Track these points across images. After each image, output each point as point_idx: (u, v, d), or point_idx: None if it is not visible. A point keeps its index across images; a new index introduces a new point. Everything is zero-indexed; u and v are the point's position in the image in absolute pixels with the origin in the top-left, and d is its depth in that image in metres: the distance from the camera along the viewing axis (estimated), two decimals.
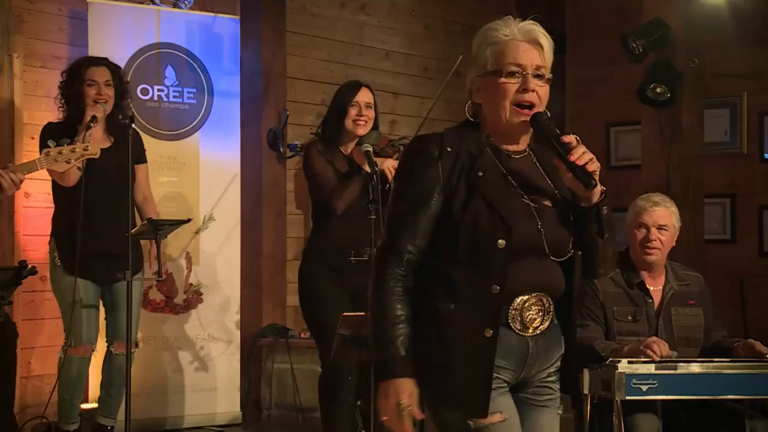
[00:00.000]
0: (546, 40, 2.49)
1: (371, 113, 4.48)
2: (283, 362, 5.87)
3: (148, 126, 5.50)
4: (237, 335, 5.77)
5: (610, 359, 3.52)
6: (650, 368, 3.47)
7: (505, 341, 2.35)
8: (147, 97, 5.55)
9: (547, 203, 2.44)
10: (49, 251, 4.78)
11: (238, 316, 5.77)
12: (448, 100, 6.89)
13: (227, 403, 5.68)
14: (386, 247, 2.38)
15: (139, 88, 5.50)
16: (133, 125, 4.59)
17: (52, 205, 4.84)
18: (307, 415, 5.66)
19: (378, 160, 4.34)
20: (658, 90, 5.41)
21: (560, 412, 2.52)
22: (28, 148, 5.31)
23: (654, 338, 3.68)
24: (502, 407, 2.36)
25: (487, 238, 2.32)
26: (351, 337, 3.90)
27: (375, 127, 4.54)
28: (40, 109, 5.28)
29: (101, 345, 4.87)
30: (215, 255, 5.71)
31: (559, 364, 2.49)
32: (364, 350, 3.87)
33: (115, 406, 4.87)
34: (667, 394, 3.50)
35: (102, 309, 4.83)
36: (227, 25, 5.82)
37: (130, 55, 5.46)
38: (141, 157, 4.87)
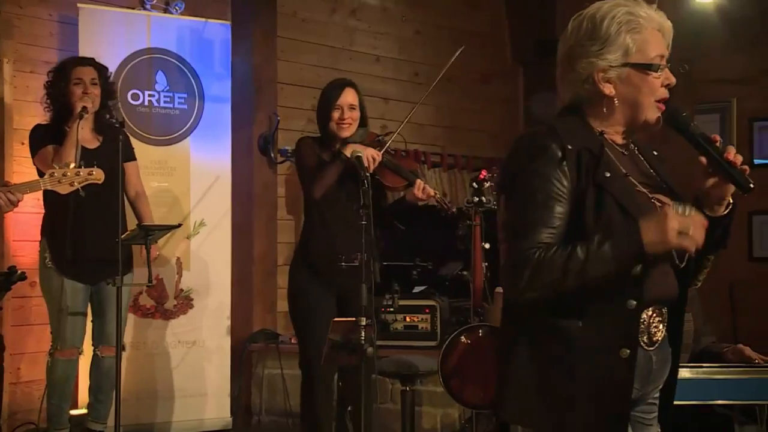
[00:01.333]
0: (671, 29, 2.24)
1: (355, 114, 4.48)
2: (274, 368, 5.86)
3: (138, 131, 5.49)
4: (227, 340, 5.76)
5: None
6: None
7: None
8: (138, 102, 5.54)
9: (667, 200, 2.21)
10: (39, 251, 4.77)
11: (229, 322, 5.76)
12: (436, 105, 6.91)
13: (217, 409, 5.67)
14: (519, 251, 2.08)
15: (130, 93, 5.49)
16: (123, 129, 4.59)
17: (42, 211, 4.83)
18: (298, 420, 5.64)
19: (359, 147, 4.35)
20: None
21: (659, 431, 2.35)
22: (19, 153, 5.29)
23: None
24: None
25: None
26: (341, 341, 3.90)
27: (363, 124, 4.55)
28: (31, 114, 5.27)
29: (88, 349, 4.86)
30: (206, 260, 5.70)
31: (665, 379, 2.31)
32: (354, 355, 3.87)
33: (104, 411, 4.86)
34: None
35: (89, 312, 4.82)
36: (218, 30, 5.82)
37: (121, 60, 5.45)
38: (131, 155, 4.90)
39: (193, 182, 5.68)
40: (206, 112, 5.73)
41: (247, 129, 6.18)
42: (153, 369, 5.49)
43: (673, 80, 2.20)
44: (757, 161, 7.11)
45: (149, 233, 4.60)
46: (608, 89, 2.18)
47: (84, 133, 4.65)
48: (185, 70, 5.68)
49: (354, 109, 4.48)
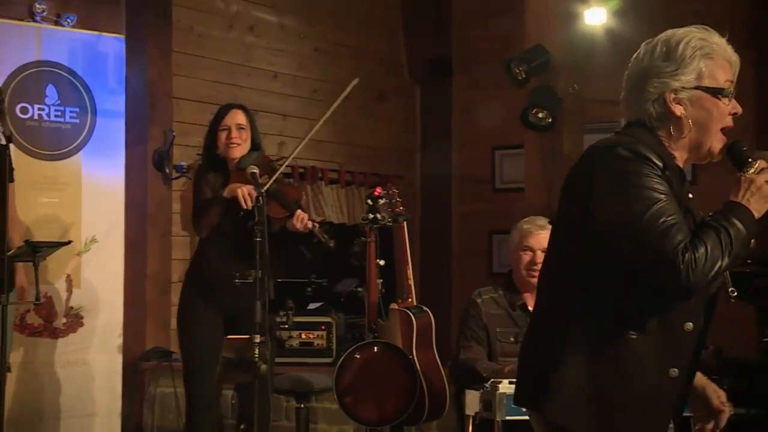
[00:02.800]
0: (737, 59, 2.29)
1: (244, 134, 4.49)
2: (167, 386, 5.78)
3: (27, 146, 5.36)
4: (119, 359, 5.65)
5: (492, 380, 3.57)
6: None
7: None
8: (27, 116, 5.40)
9: None
10: None
11: (121, 340, 5.66)
12: (334, 122, 6.94)
13: (107, 429, 5.54)
14: (673, 250, 2.05)
15: (19, 106, 5.35)
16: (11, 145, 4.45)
17: None
18: None
19: (234, 186, 4.35)
20: (540, 115, 5.54)
21: None
22: None
23: None
24: None
25: None
26: (235, 359, 3.88)
27: (257, 147, 4.55)
28: None
29: None
30: (97, 277, 5.59)
31: None
32: (249, 373, 3.85)
33: None
34: None
35: None
36: (111, 44, 5.72)
37: (9, 72, 5.31)
38: (10, 176, 4.74)
39: (84, 198, 5.56)
40: (99, 127, 5.63)
41: (142, 144, 6.10)
42: (40, 389, 5.34)
43: (739, 110, 2.25)
44: None
45: (37, 250, 4.48)
46: (678, 110, 2.21)
47: None
48: (77, 83, 5.57)
49: (243, 129, 4.48)
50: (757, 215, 2.15)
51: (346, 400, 4.55)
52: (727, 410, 2.42)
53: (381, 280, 4.76)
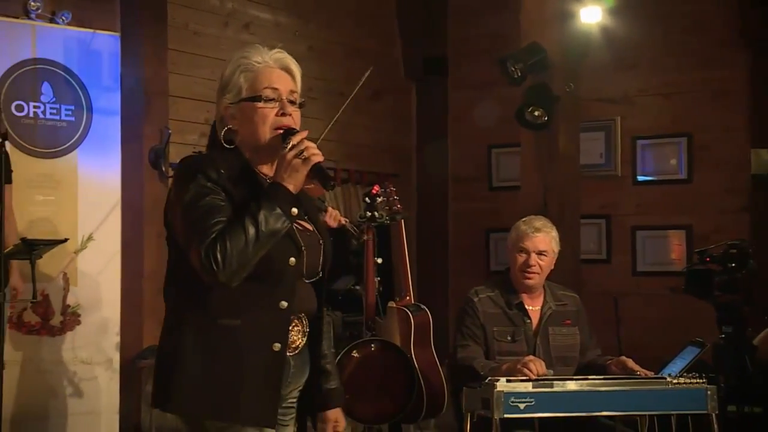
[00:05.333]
0: (296, 67, 2.57)
1: None
2: None
3: (23, 143, 5.35)
4: (116, 357, 5.65)
5: (489, 378, 3.58)
6: (528, 386, 3.53)
7: None
8: (22, 114, 5.39)
9: (309, 227, 2.58)
10: None
11: (118, 338, 5.65)
12: (330, 120, 6.93)
13: (106, 427, 5.54)
14: (204, 246, 2.31)
15: (14, 104, 5.34)
16: (6, 143, 4.45)
17: None
18: None
19: None
20: (536, 113, 5.53)
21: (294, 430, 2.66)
22: None
23: (531, 357, 3.76)
24: None
25: (279, 255, 2.40)
26: None
27: None
28: None
29: None
30: (94, 275, 5.58)
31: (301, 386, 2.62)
32: None
33: None
34: (543, 412, 3.56)
35: None
36: (107, 41, 5.72)
37: (4, 70, 5.31)
38: (8, 177, 4.73)
39: (80, 196, 5.55)
40: (95, 125, 5.62)
41: (138, 142, 6.08)
42: (38, 387, 5.34)
43: (287, 109, 2.49)
44: (640, 178, 7.34)
45: (33, 248, 4.48)
46: (233, 123, 2.51)
47: None
48: (72, 81, 5.56)
49: None
50: (294, 189, 2.40)
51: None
52: None
53: (378, 278, 4.77)
